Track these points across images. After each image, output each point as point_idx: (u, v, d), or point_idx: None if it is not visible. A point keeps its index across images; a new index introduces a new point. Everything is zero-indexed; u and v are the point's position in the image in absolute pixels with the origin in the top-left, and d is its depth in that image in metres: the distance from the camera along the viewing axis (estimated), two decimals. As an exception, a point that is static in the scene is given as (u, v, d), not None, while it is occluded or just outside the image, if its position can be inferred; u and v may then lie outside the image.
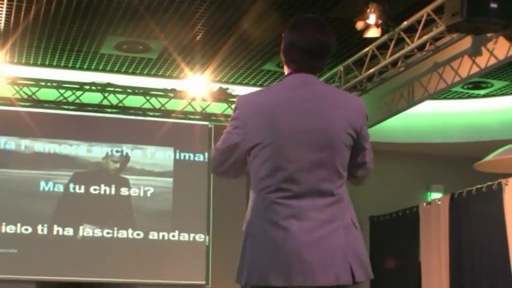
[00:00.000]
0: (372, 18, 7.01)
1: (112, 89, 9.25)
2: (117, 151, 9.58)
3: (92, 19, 7.59)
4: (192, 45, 8.24)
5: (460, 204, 8.27)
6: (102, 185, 9.42)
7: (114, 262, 9.32)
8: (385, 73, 8.20)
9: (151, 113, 9.53)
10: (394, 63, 7.82)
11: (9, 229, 9.04)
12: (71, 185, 9.32)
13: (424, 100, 8.45)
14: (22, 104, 9.09)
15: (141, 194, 9.51)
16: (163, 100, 9.44)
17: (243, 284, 2.83)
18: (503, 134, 9.45)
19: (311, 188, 2.81)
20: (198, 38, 8.05)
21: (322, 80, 3.86)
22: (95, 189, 9.38)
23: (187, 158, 9.69)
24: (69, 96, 9.17)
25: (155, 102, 9.44)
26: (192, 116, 9.65)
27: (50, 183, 9.24)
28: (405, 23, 7.26)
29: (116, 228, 9.36)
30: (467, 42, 7.29)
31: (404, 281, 9.21)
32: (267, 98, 2.92)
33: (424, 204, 8.97)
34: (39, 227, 9.11)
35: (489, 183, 7.75)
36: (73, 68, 9.06)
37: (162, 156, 9.67)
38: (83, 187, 9.35)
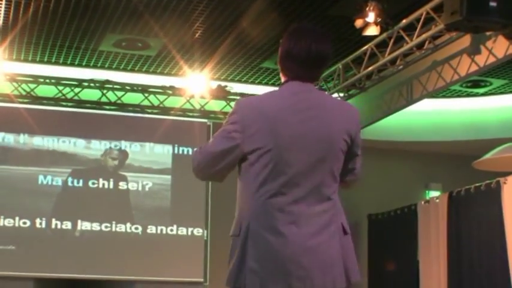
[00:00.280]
0: (371, 17, 7.00)
1: (111, 86, 9.25)
2: (115, 148, 9.58)
3: (91, 16, 7.58)
4: (191, 42, 8.24)
5: (458, 202, 8.27)
6: (101, 179, 9.44)
7: (112, 258, 9.33)
8: (384, 71, 8.20)
9: (149, 110, 9.52)
10: (393, 62, 7.82)
11: (8, 222, 9.05)
12: (69, 179, 9.33)
13: (422, 98, 8.45)
14: (21, 100, 9.09)
15: (140, 191, 9.52)
16: (161, 97, 9.44)
17: None
18: (502, 133, 9.46)
19: (310, 191, 2.87)
20: (197, 35, 8.04)
21: (319, 83, 3.87)
22: (93, 183, 9.39)
23: (185, 152, 9.71)
24: (67, 93, 9.16)
25: (154, 100, 9.44)
26: (191, 114, 9.65)
27: (49, 177, 9.26)
28: (404, 21, 7.26)
29: (114, 222, 9.37)
30: (466, 40, 7.29)
31: (403, 279, 9.22)
32: (267, 103, 2.93)
33: (423, 202, 8.98)
34: (38, 221, 9.12)
35: (487, 181, 7.75)
36: (72, 64, 9.05)
37: (161, 154, 9.67)
38: (81, 181, 9.36)
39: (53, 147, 9.36)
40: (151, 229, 9.47)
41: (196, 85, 9.15)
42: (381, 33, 7.34)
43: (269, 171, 2.85)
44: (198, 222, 9.61)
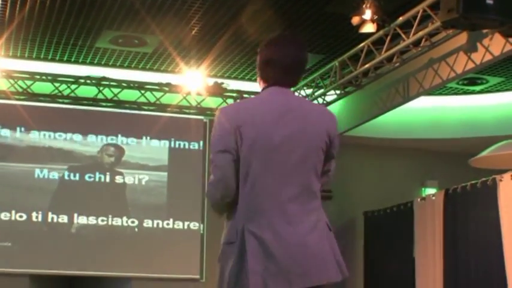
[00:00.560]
0: (368, 14, 7.00)
1: (107, 82, 9.24)
2: (112, 145, 9.58)
3: (88, 13, 7.57)
4: (188, 39, 8.23)
5: (454, 199, 8.28)
6: (97, 173, 9.45)
7: (108, 254, 9.33)
8: (380, 68, 8.21)
9: (146, 107, 9.53)
10: (389, 59, 7.82)
11: (4, 216, 9.05)
12: (66, 173, 9.34)
13: (419, 96, 8.45)
14: (17, 97, 9.08)
15: (136, 185, 9.52)
16: (158, 94, 9.43)
17: None
18: (498, 130, 9.47)
19: (302, 191, 2.96)
20: (194, 32, 8.03)
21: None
22: (89, 177, 9.39)
23: (182, 146, 9.72)
24: (64, 90, 9.15)
25: (150, 97, 9.44)
26: (187, 110, 9.65)
27: (45, 171, 9.26)
28: (401, 18, 7.25)
29: (110, 216, 9.38)
30: (462, 38, 7.29)
31: (398, 276, 9.22)
32: (251, 108, 3.02)
33: (419, 199, 8.98)
34: (34, 214, 9.13)
35: (484, 179, 7.76)
36: (68, 61, 9.04)
37: (157, 150, 9.68)
38: (77, 175, 9.37)
39: (49, 144, 9.37)
40: (148, 223, 9.49)
41: (192, 82, 9.15)
42: (378, 30, 7.34)
43: (259, 174, 2.92)
44: (194, 216, 9.63)
